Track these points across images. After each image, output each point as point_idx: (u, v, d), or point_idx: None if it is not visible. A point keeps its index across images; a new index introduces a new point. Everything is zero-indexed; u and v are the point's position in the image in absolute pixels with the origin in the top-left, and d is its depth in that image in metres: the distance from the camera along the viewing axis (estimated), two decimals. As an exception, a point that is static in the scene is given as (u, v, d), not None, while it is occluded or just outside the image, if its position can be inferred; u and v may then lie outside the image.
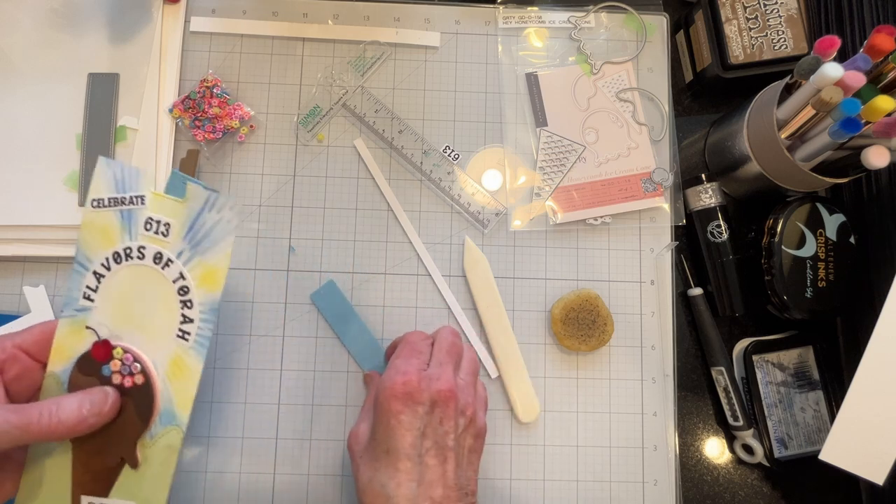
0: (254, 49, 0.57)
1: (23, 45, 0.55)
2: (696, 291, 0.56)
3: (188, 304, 0.35)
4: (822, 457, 0.46)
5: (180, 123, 0.55)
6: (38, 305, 0.52)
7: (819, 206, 0.53)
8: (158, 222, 0.36)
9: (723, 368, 0.55)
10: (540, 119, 0.58)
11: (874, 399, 0.46)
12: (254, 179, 0.56)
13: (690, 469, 0.56)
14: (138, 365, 0.35)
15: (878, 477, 0.45)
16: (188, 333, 0.35)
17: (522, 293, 0.56)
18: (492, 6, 0.59)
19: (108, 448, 0.35)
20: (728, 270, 0.55)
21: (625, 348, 0.55)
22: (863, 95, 0.45)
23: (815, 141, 0.48)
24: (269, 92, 0.57)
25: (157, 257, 0.36)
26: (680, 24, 0.60)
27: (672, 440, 0.55)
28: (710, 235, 0.56)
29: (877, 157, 0.45)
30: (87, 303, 0.36)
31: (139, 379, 0.35)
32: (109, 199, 0.36)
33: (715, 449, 0.56)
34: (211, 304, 0.36)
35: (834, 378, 0.56)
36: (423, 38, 0.58)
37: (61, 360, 0.36)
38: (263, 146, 0.56)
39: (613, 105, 0.58)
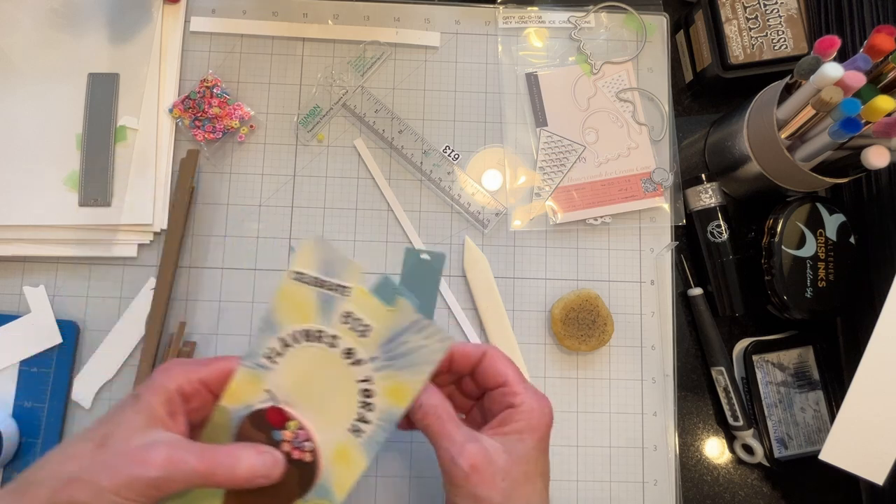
0: (254, 49, 0.57)
1: (23, 45, 0.55)
2: (696, 291, 0.56)
3: (369, 406, 0.36)
4: (822, 457, 0.46)
5: (180, 123, 0.55)
6: (38, 305, 0.52)
7: (819, 206, 0.53)
8: (359, 320, 0.36)
9: (723, 368, 0.55)
10: (540, 119, 0.58)
11: (874, 399, 0.46)
12: (254, 179, 0.56)
13: (690, 469, 0.56)
14: (310, 444, 0.36)
15: (878, 477, 0.45)
16: (362, 432, 0.36)
17: (522, 293, 0.56)
18: (492, 6, 0.59)
19: (259, 500, 0.36)
20: (728, 270, 0.55)
21: (625, 348, 0.55)
22: (863, 95, 0.45)
23: (815, 141, 0.48)
24: (269, 92, 0.57)
25: (349, 353, 0.36)
26: (680, 24, 0.60)
27: (672, 440, 0.55)
28: (710, 235, 0.56)
29: (877, 157, 0.45)
30: (269, 363, 0.37)
31: (308, 457, 0.36)
32: (313, 277, 0.36)
33: (715, 449, 0.56)
34: (392, 415, 0.36)
35: (834, 378, 0.56)
36: (423, 38, 0.58)
37: (233, 401, 0.37)
38: (263, 146, 0.56)
39: (613, 105, 0.58)
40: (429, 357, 0.36)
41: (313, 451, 0.36)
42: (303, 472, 0.36)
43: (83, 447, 0.33)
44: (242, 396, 0.37)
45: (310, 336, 0.36)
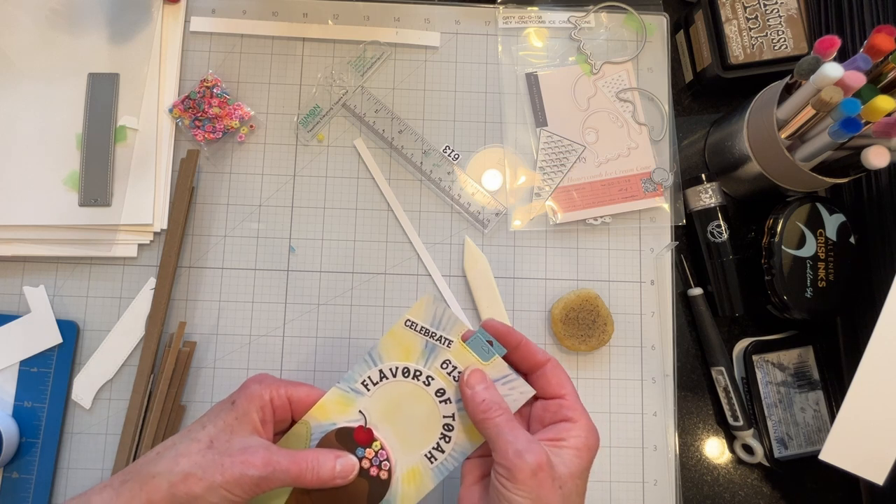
0: (254, 49, 0.57)
1: (23, 45, 0.55)
2: (696, 291, 0.56)
3: (447, 438, 0.41)
4: (822, 457, 0.46)
5: (180, 123, 0.55)
6: (38, 305, 0.52)
7: (819, 206, 0.53)
8: (455, 368, 0.41)
9: (723, 368, 0.55)
10: (540, 119, 0.58)
11: (874, 399, 0.46)
12: (254, 179, 0.56)
13: (690, 469, 0.56)
14: (388, 464, 0.41)
15: (878, 477, 0.45)
16: (435, 458, 0.41)
17: (522, 293, 0.56)
18: (492, 6, 0.59)
19: None
20: (728, 270, 0.55)
21: (625, 348, 0.55)
22: (863, 95, 0.45)
23: (815, 141, 0.48)
24: (269, 92, 0.57)
25: (440, 392, 0.41)
26: (680, 24, 0.60)
27: (672, 440, 0.55)
28: (710, 235, 0.56)
29: (877, 157, 0.45)
30: (363, 389, 0.42)
31: (383, 475, 0.41)
32: (422, 327, 0.41)
33: (715, 449, 0.56)
34: (465, 449, 0.41)
35: (834, 378, 0.56)
36: (423, 38, 0.58)
37: (317, 417, 0.41)
38: (263, 146, 0.56)
39: (613, 105, 0.58)
40: (511, 405, 0.40)
41: (389, 470, 0.41)
42: (373, 488, 0.41)
43: (193, 447, 0.38)
44: (330, 414, 0.41)
45: (407, 373, 0.41)
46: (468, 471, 0.41)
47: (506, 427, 0.38)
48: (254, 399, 0.39)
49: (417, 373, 0.41)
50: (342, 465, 0.39)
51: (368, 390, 0.41)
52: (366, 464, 0.40)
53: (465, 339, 0.41)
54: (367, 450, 0.41)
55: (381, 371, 0.41)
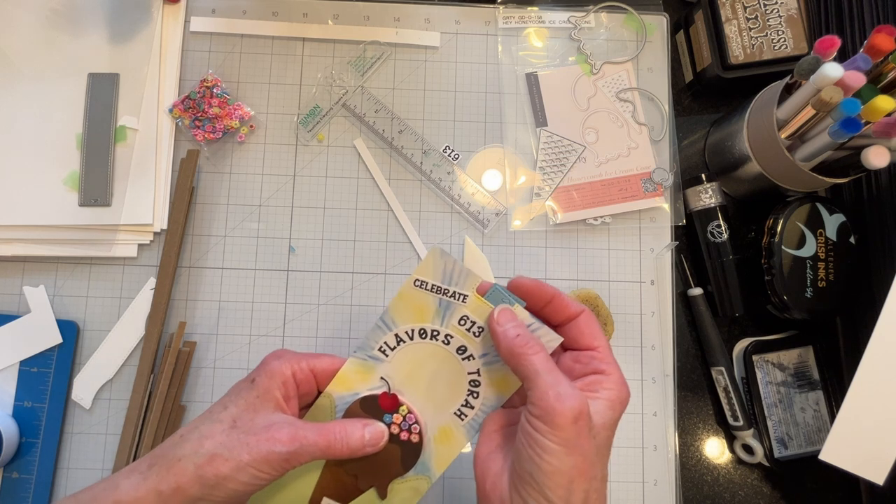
0: (254, 49, 0.57)
1: (23, 45, 0.55)
2: (696, 291, 0.56)
3: (474, 394, 0.40)
4: (822, 457, 0.46)
5: (180, 123, 0.55)
6: (38, 305, 0.52)
7: (819, 206, 0.53)
8: (474, 323, 0.39)
9: (723, 368, 0.55)
10: (540, 119, 0.58)
11: (874, 399, 0.46)
12: (254, 179, 0.56)
13: (690, 469, 0.56)
14: (417, 426, 0.40)
15: (878, 477, 0.45)
16: (465, 415, 0.40)
17: (522, 293, 0.56)
18: (492, 6, 0.59)
19: (364, 474, 0.40)
20: (728, 270, 0.55)
21: (625, 348, 0.55)
22: (863, 95, 0.45)
23: (815, 141, 0.48)
24: (269, 92, 0.57)
25: (461, 349, 0.40)
26: (680, 24, 0.60)
27: (672, 440, 0.55)
28: (710, 235, 0.56)
29: (877, 157, 0.45)
30: (381, 355, 0.40)
31: (414, 438, 0.40)
32: (433, 286, 0.39)
33: (715, 449, 0.56)
34: (494, 403, 0.40)
35: (834, 378, 0.56)
36: (423, 38, 0.58)
37: (339, 388, 0.41)
38: (263, 146, 0.56)
39: (613, 105, 0.58)
40: None
41: (420, 433, 0.40)
42: (406, 452, 0.40)
43: (216, 428, 0.37)
44: (351, 384, 0.41)
45: (424, 334, 0.40)
46: (488, 419, 0.39)
47: (544, 367, 0.35)
48: (274, 376, 0.39)
49: (435, 332, 0.40)
50: (371, 433, 0.39)
51: (387, 356, 0.40)
52: (395, 429, 0.40)
53: (481, 292, 0.39)
54: (395, 415, 0.40)
55: (396, 335, 0.40)
